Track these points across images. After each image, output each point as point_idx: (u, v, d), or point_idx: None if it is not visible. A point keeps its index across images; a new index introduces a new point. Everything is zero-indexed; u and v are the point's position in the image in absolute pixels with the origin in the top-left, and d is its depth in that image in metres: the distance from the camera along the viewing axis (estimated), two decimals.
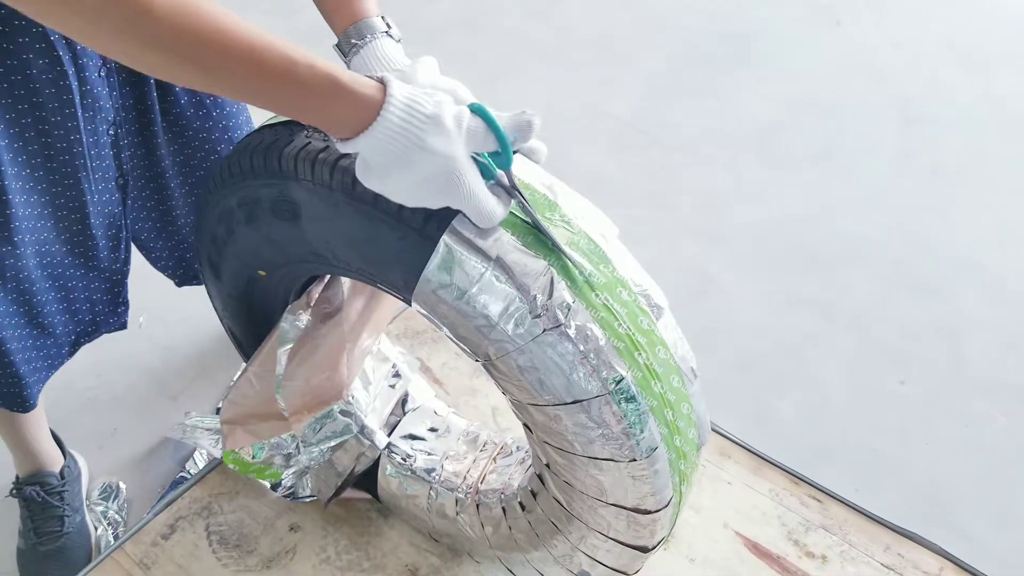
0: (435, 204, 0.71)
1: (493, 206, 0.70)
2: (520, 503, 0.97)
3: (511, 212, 0.74)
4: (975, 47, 2.76)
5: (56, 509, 1.35)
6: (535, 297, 0.73)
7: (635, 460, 0.78)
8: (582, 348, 0.74)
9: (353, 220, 0.79)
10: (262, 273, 1.00)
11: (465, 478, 1.08)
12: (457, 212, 0.73)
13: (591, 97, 2.56)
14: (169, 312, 1.37)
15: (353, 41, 0.80)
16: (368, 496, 1.19)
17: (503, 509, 0.99)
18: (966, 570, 1.14)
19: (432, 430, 1.18)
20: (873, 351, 1.78)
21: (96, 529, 1.40)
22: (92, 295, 1.17)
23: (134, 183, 1.13)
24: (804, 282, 1.94)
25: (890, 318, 1.85)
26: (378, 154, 0.67)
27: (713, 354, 1.75)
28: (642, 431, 0.77)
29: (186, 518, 1.20)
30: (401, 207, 0.73)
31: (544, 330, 0.74)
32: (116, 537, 1.40)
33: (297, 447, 1.14)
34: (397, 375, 1.22)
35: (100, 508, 1.43)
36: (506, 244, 0.74)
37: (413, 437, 1.17)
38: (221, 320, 1.21)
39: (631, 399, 0.76)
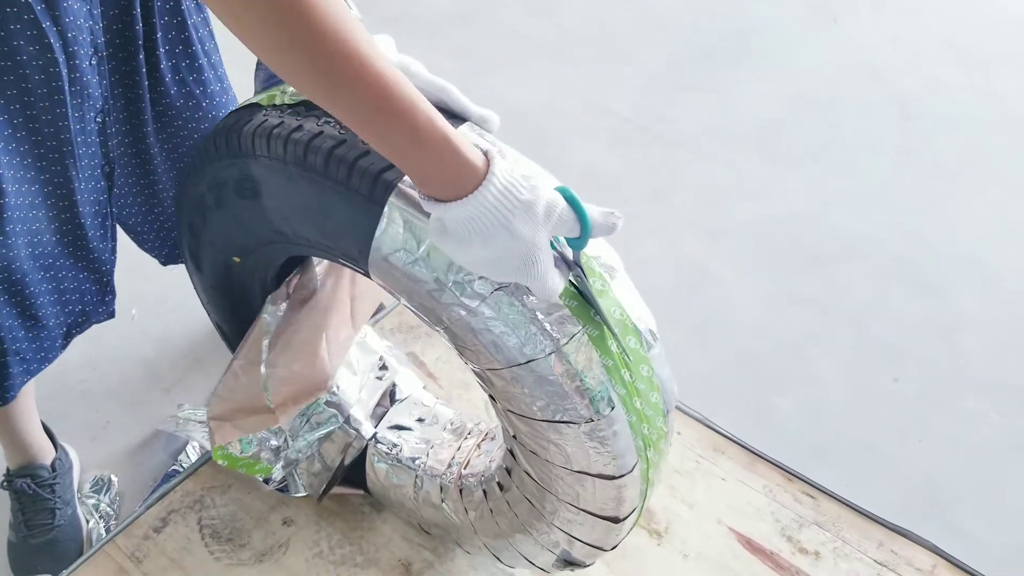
0: (503, 279, 0.72)
1: (558, 284, 0.71)
2: (498, 483, 0.97)
3: None
4: (974, 45, 2.75)
5: (47, 502, 1.34)
6: None
7: (592, 421, 0.78)
8: (531, 305, 0.74)
9: (307, 191, 0.81)
10: (236, 260, 1.02)
11: (450, 464, 1.08)
12: (403, 175, 0.74)
13: (592, 93, 2.55)
14: (161, 304, 1.37)
15: None
16: (361, 492, 1.19)
17: (484, 491, 0.99)
18: (959, 567, 1.14)
19: (419, 420, 1.18)
20: (872, 349, 1.78)
21: (87, 522, 1.40)
22: (82, 285, 1.17)
23: (121, 169, 1.13)
24: (803, 279, 1.94)
25: (889, 316, 1.85)
26: (462, 224, 0.66)
27: (712, 351, 1.75)
28: (596, 389, 0.76)
29: (178, 511, 1.19)
30: (350, 175, 0.74)
31: (492, 290, 0.74)
32: (108, 530, 1.39)
33: (285, 441, 1.13)
34: (384, 367, 1.22)
35: (92, 501, 1.43)
36: None
37: (400, 427, 1.17)
38: (209, 315, 1.21)
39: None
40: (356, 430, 1.15)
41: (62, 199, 1.05)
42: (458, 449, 1.10)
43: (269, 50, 0.62)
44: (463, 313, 0.76)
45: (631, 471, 0.82)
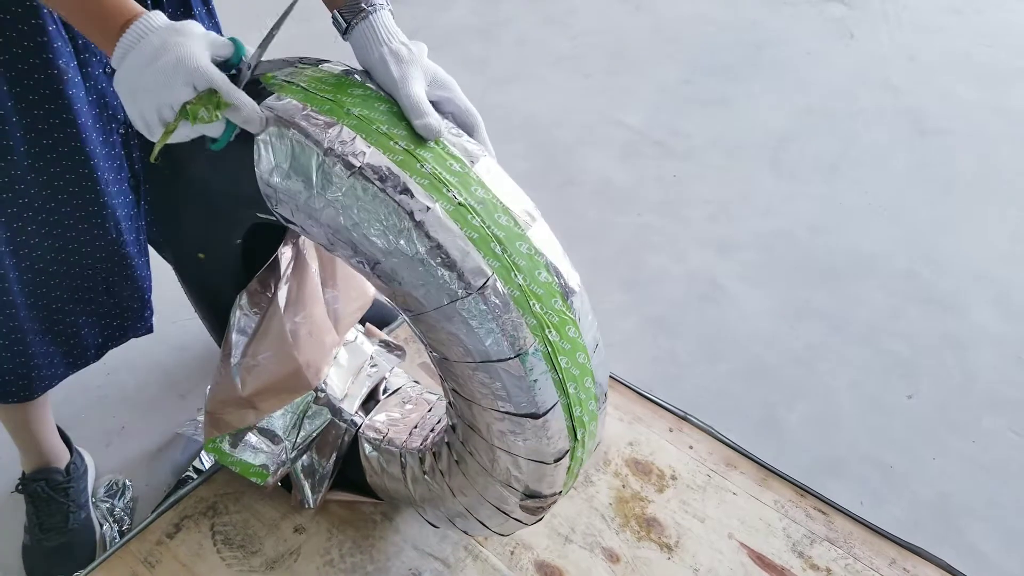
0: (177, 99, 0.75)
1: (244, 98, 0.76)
2: (452, 426, 0.97)
3: (288, 81, 0.81)
4: (991, 61, 2.75)
5: (61, 505, 1.35)
6: (330, 148, 0.76)
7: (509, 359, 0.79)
8: (382, 181, 0.76)
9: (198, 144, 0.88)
10: (201, 256, 1.07)
11: (426, 439, 1.08)
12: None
13: (605, 105, 2.56)
14: (179, 311, 1.38)
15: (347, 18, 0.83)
16: (373, 500, 1.20)
17: (447, 445, 0.99)
18: None
19: (406, 406, 1.19)
20: (883, 364, 1.77)
21: (101, 526, 1.40)
22: (123, 302, 1.18)
23: (143, 183, 1.14)
24: (814, 293, 1.93)
25: (902, 332, 1.84)
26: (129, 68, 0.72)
27: (722, 364, 1.75)
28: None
29: (192, 517, 1.20)
30: None
31: (348, 175, 0.76)
32: (121, 534, 1.40)
33: (283, 450, 1.15)
34: (374, 366, 1.24)
35: (106, 505, 1.44)
36: (288, 107, 0.78)
37: (388, 415, 1.18)
38: (210, 333, 1.24)
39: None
40: (345, 422, 1.16)
41: (94, 213, 1.07)
42: (437, 422, 1.10)
43: None
44: (342, 220, 0.77)
45: (552, 408, 0.83)
